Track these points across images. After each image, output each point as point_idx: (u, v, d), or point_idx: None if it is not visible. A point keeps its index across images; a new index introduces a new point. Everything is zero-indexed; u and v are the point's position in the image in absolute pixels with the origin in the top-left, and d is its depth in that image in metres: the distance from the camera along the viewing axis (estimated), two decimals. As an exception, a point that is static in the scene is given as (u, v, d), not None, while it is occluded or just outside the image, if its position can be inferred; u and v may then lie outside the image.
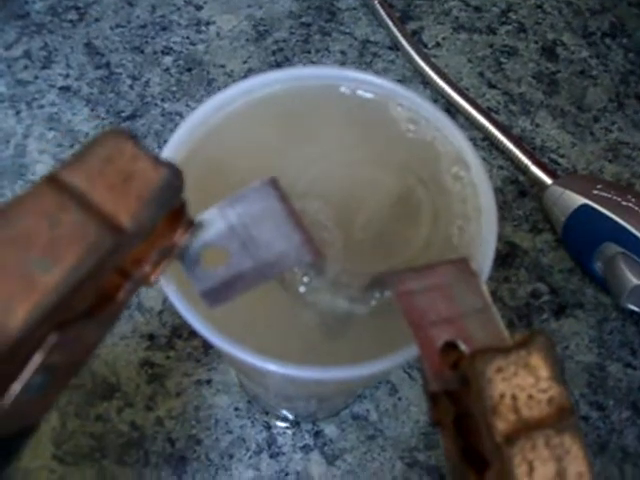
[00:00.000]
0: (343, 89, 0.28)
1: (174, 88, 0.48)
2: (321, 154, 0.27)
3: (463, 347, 0.19)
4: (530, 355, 0.18)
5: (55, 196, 0.17)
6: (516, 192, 0.46)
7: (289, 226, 0.21)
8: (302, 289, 0.24)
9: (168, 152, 0.26)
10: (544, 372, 0.18)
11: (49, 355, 0.17)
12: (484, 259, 0.23)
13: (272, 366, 0.21)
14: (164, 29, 0.51)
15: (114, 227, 0.18)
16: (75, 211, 0.17)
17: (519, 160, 0.45)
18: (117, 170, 0.18)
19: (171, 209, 0.20)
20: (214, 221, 0.21)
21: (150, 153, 0.19)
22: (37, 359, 0.17)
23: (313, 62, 0.50)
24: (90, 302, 0.19)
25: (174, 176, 0.19)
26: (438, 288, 0.21)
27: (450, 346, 0.20)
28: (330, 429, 0.38)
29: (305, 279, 0.24)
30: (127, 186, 0.18)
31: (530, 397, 0.18)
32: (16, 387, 0.17)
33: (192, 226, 0.21)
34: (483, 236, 0.25)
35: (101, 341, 0.20)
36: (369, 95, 0.28)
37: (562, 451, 0.17)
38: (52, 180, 0.18)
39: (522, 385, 0.18)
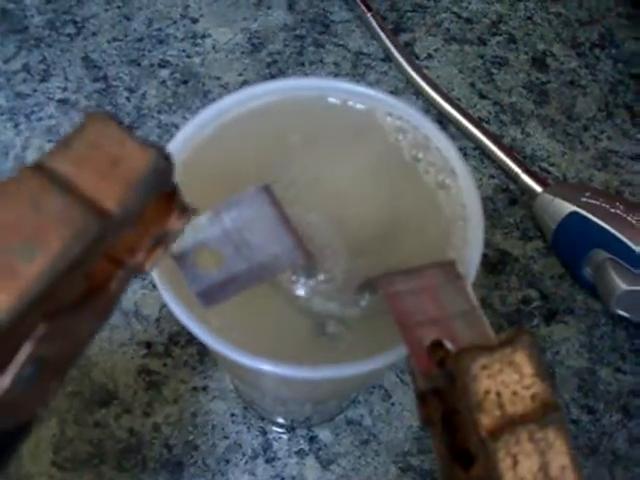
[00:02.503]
0: (333, 100, 0.29)
1: (170, 100, 0.49)
2: (312, 163, 0.28)
3: (449, 346, 0.20)
4: (515, 353, 0.19)
5: (39, 181, 0.17)
6: (507, 200, 0.46)
7: (281, 230, 0.22)
8: (295, 292, 0.25)
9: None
10: (528, 369, 0.19)
11: (38, 346, 0.17)
12: (470, 262, 0.24)
13: (267, 366, 0.22)
14: (160, 42, 0.52)
15: (100, 212, 0.17)
16: (59, 196, 0.17)
17: (510, 169, 0.46)
18: (104, 155, 0.18)
19: (161, 193, 0.19)
20: (209, 224, 0.22)
21: (137, 137, 0.18)
22: (26, 350, 0.16)
23: (307, 74, 0.51)
24: (79, 291, 0.18)
25: (162, 159, 0.18)
26: (426, 290, 0.21)
27: (437, 345, 0.20)
28: (325, 434, 0.38)
29: (298, 283, 0.25)
30: (114, 171, 0.18)
31: (514, 393, 0.18)
32: (6, 379, 0.16)
33: (187, 211, 0.21)
34: (470, 240, 0.25)
35: (95, 334, 0.20)
36: (359, 105, 0.29)
37: (545, 445, 0.18)
38: (37, 167, 0.17)
39: (506, 382, 0.18)
